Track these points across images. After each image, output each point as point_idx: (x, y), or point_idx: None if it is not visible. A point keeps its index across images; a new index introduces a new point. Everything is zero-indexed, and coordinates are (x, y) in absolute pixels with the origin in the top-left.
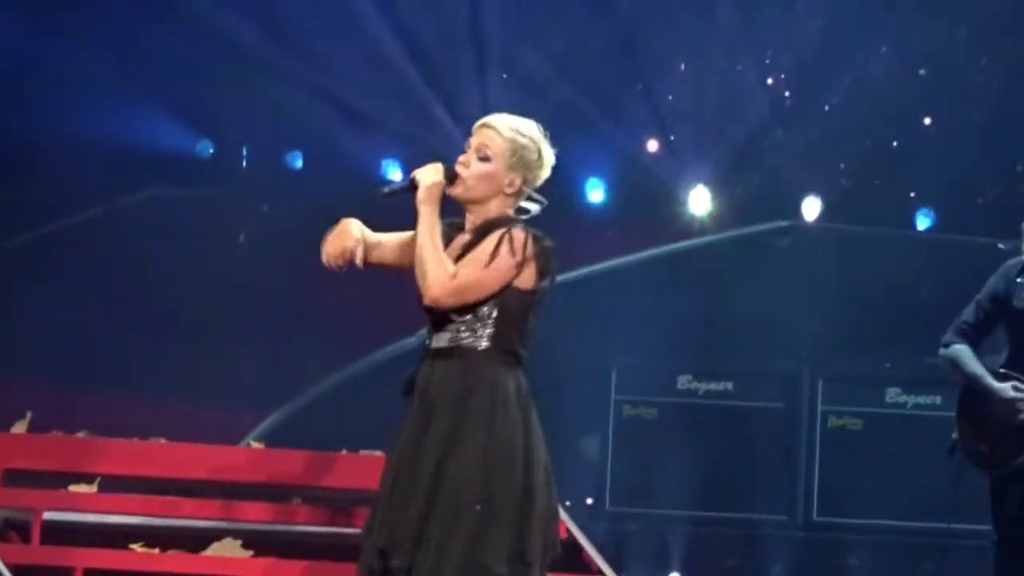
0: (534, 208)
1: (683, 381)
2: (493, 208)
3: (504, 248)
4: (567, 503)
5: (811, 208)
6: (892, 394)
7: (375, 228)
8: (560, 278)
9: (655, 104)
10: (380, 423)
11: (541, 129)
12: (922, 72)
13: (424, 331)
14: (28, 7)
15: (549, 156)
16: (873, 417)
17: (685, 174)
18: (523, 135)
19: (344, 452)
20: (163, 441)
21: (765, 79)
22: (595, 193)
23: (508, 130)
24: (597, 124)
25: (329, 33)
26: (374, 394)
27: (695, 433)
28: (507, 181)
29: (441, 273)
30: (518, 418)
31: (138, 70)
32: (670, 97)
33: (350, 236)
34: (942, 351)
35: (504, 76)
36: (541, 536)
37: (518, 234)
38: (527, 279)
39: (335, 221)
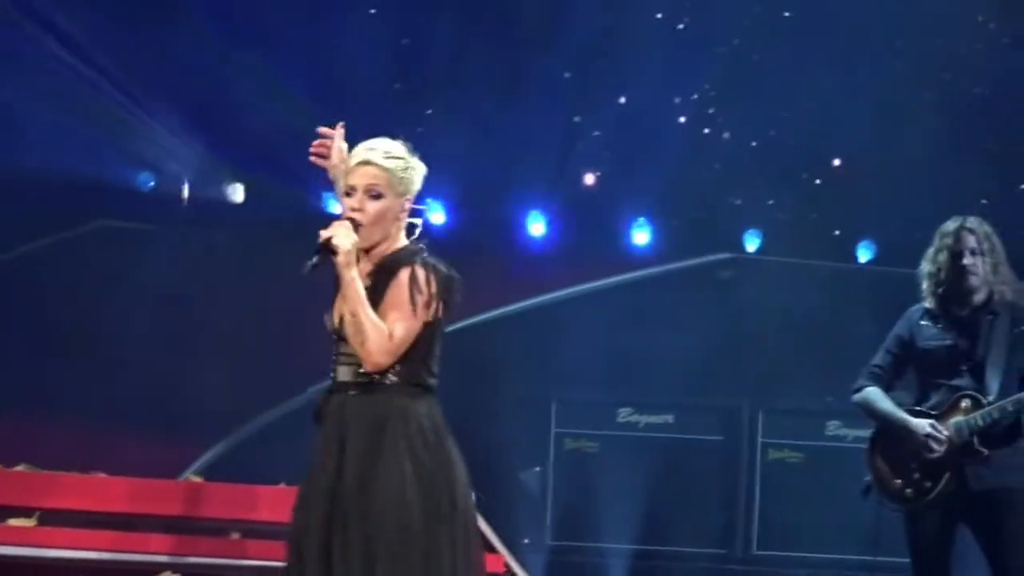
0: (418, 221)
1: (624, 414)
2: (389, 242)
3: (411, 289)
4: (503, 536)
5: (751, 242)
6: (832, 427)
7: None
8: (500, 311)
9: (593, 138)
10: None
11: (403, 141)
12: (860, 103)
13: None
14: None
15: (421, 166)
16: (813, 450)
17: (626, 207)
18: (397, 158)
19: (282, 485)
20: (103, 475)
21: (705, 111)
22: (536, 226)
23: (385, 159)
24: (538, 158)
25: (273, 59)
26: (310, 429)
27: (636, 466)
28: (398, 209)
29: (380, 339)
30: (440, 453)
31: (82, 101)
32: (603, 132)
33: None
34: (855, 396)
35: (431, 112)
36: (470, 567)
37: (419, 272)
38: (432, 312)
39: (275, 255)
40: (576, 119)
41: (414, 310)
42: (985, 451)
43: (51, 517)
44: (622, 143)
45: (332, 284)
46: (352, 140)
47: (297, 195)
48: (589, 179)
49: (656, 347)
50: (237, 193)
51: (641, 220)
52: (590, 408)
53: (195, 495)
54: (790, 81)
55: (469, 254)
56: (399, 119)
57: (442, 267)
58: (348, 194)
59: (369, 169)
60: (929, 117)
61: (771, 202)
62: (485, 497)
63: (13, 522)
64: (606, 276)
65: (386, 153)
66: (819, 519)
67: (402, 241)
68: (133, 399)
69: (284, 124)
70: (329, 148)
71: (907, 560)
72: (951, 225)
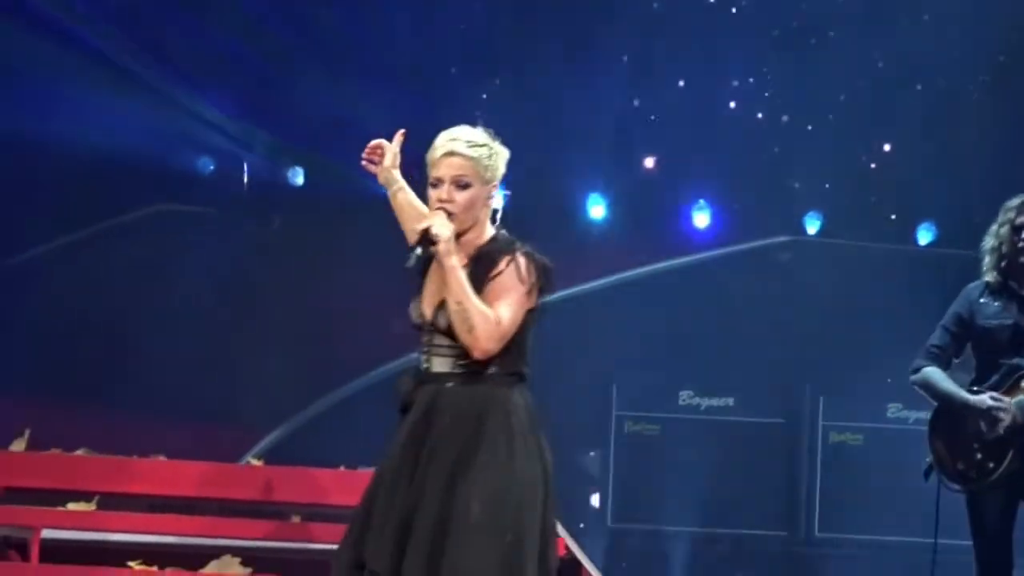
0: (500, 203)
1: (684, 397)
2: (478, 229)
3: (516, 277)
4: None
5: (811, 224)
6: (893, 409)
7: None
8: (563, 293)
9: (651, 121)
10: (376, 441)
11: (483, 127)
12: (919, 87)
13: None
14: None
15: (504, 151)
16: (874, 432)
17: (685, 190)
18: (482, 146)
19: (342, 469)
20: (163, 458)
21: (762, 94)
22: (596, 209)
23: (469, 148)
24: (597, 140)
25: (330, 44)
26: (369, 413)
27: (696, 449)
28: (485, 197)
29: (489, 325)
30: (534, 446)
31: (140, 85)
32: (662, 115)
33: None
34: (913, 376)
35: (486, 97)
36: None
37: (521, 260)
38: (532, 301)
39: (334, 239)
40: (635, 102)
41: (515, 297)
42: None
43: (111, 501)
44: (681, 126)
45: (411, 275)
46: (408, 124)
47: (356, 179)
48: (649, 162)
49: (716, 330)
50: (297, 176)
51: (701, 203)
52: (651, 391)
53: (255, 478)
54: (846, 64)
55: (528, 237)
56: (456, 103)
57: (539, 256)
58: (435, 185)
59: (454, 160)
60: (985, 100)
61: (828, 185)
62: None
63: (72, 506)
64: (666, 259)
65: (469, 142)
66: (881, 501)
67: (490, 229)
68: (191, 384)
69: (343, 108)
70: (382, 155)
71: (969, 542)
72: (1015, 200)
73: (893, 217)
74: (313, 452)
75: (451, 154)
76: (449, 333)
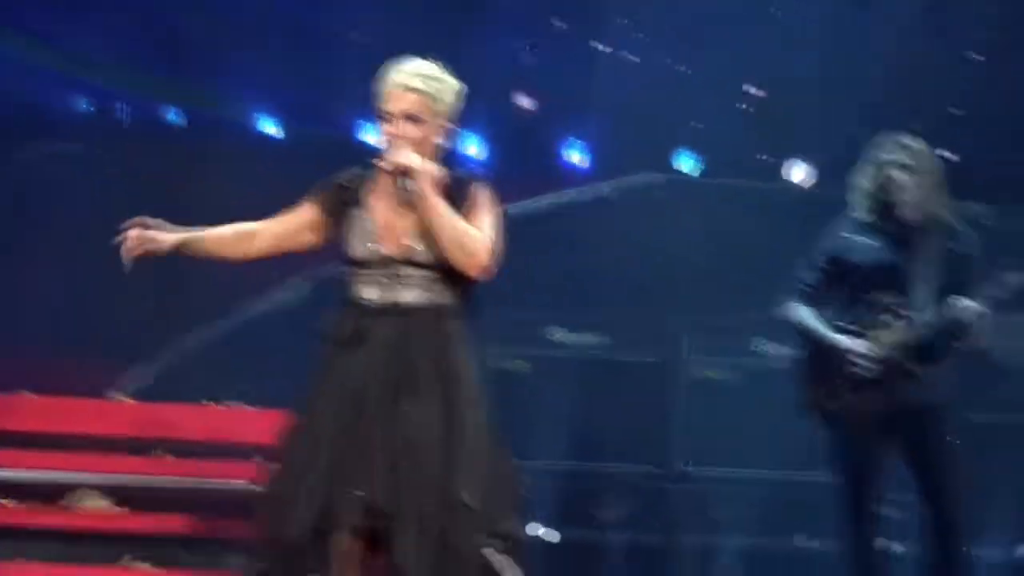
0: (451, 139)
1: (555, 333)
2: (439, 164)
3: (490, 203)
4: None
5: (684, 163)
6: (761, 345)
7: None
8: None
9: (528, 62)
10: (246, 377)
11: (434, 60)
12: (792, 26)
13: (356, 283)
14: None
15: (458, 85)
16: (740, 367)
17: (560, 129)
18: (434, 79)
19: (211, 404)
20: (28, 394)
21: (637, 35)
22: (471, 148)
23: (422, 82)
24: (471, 81)
25: None
26: (236, 350)
27: (567, 385)
28: (437, 133)
29: (483, 242)
30: (483, 366)
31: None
32: (539, 57)
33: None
34: (785, 315)
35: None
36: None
37: (488, 187)
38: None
39: (208, 177)
40: (514, 43)
41: (495, 219)
42: (916, 368)
43: None
44: (557, 68)
45: (332, 209)
46: (284, 64)
47: (240, 120)
48: (524, 102)
49: (588, 267)
50: (174, 115)
51: (574, 141)
52: (522, 327)
53: (120, 414)
54: (718, 4)
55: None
56: (327, 46)
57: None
58: (385, 119)
59: (406, 94)
60: (864, 37)
61: (701, 125)
62: None
63: None
64: (540, 195)
65: (422, 75)
66: (750, 436)
67: (438, 164)
68: (57, 317)
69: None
70: (154, 246)
71: (836, 477)
72: (884, 138)
73: (764, 157)
74: (178, 389)
75: (403, 87)
76: (423, 264)
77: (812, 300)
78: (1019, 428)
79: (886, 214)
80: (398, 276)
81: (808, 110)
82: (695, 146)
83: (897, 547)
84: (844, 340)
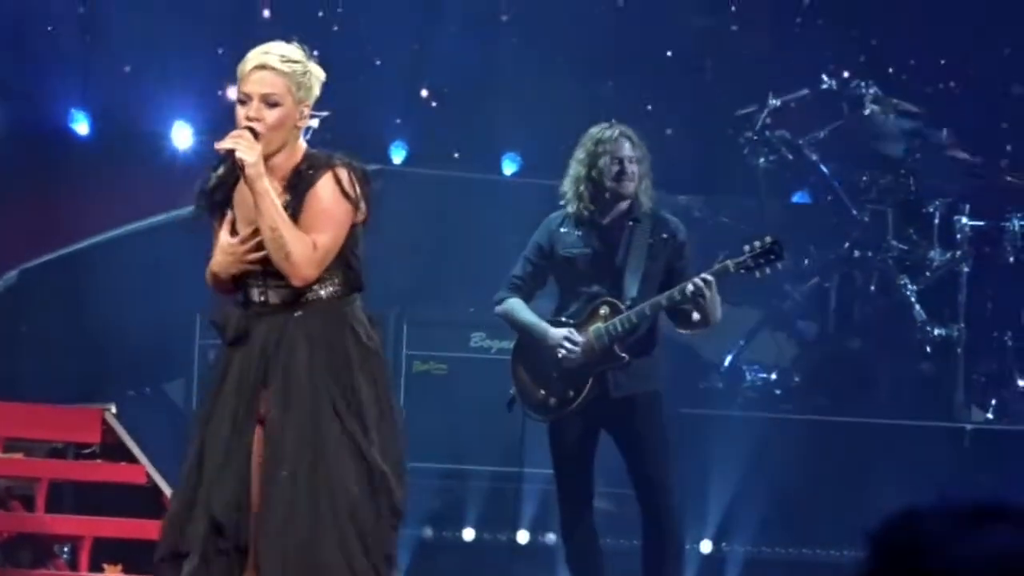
0: (314, 123)
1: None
2: (289, 151)
3: (337, 194)
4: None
5: (397, 154)
6: (477, 338)
7: None
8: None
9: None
10: None
11: (298, 45)
12: (504, 18)
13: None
14: None
15: (319, 71)
16: (458, 362)
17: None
18: (295, 62)
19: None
20: None
21: (332, 28)
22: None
23: (282, 63)
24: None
25: None
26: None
27: None
28: (297, 116)
29: (305, 249)
30: (378, 352)
31: None
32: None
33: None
34: (496, 308)
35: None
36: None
37: (343, 174)
38: (361, 214)
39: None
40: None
41: (335, 217)
42: (626, 357)
43: None
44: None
45: (208, 206)
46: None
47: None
48: (232, 93)
49: None
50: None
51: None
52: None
53: None
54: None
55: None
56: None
57: (357, 163)
58: (243, 102)
59: (265, 75)
60: (574, 31)
61: (399, 121)
62: None
63: None
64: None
65: (283, 57)
66: (465, 431)
67: (301, 148)
68: None
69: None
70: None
71: (551, 471)
72: (594, 129)
73: (481, 147)
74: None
75: (262, 68)
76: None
77: (522, 292)
78: (724, 420)
79: (597, 205)
80: (271, 275)
81: (519, 104)
82: (407, 138)
83: (611, 540)
84: (552, 331)
